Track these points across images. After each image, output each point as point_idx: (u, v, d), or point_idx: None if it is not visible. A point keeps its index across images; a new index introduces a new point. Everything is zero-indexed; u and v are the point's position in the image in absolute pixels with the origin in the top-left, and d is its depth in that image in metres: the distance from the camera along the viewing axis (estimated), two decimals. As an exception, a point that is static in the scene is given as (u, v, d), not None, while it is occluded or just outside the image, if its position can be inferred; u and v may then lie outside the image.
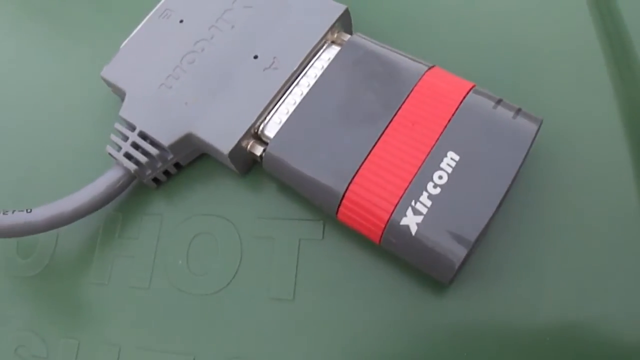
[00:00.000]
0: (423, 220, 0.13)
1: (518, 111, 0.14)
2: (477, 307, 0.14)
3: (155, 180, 0.16)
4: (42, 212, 0.15)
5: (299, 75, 0.15)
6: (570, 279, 0.14)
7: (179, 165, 0.16)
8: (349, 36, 0.16)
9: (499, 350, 0.14)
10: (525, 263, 0.14)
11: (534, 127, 0.14)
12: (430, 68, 0.15)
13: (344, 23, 0.16)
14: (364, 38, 0.15)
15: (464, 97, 0.14)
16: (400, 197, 0.13)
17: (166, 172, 0.16)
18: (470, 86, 0.14)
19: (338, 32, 0.16)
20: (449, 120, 0.14)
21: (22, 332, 0.15)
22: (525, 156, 0.14)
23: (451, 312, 0.14)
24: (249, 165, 0.16)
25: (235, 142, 0.15)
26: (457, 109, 0.14)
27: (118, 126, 0.16)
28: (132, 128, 0.15)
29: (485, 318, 0.14)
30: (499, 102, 0.14)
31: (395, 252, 0.14)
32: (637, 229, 0.14)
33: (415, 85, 0.14)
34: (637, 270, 0.14)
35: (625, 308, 0.13)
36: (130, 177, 0.15)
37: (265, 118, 0.15)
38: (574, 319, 0.14)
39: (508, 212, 0.15)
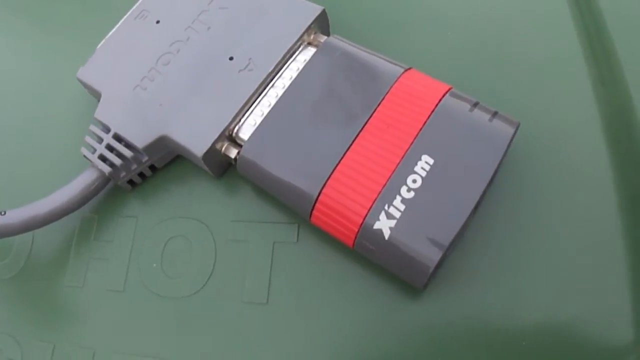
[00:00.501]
0: (396, 225, 0.13)
1: (495, 114, 0.14)
2: (453, 311, 0.14)
3: (131, 182, 0.16)
4: (16, 215, 0.15)
5: (274, 77, 0.15)
6: (546, 282, 0.14)
7: (154, 168, 0.16)
8: (325, 38, 0.15)
9: (475, 354, 0.13)
10: (501, 266, 0.14)
11: (510, 130, 0.14)
12: (406, 70, 0.15)
13: (321, 24, 0.16)
14: (341, 40, 0.15)
15: (440, 100, 0.14)
16: (374, 201, 0.13)
17: (141, 175, 0.16)
18: (447, 89, 0.14)
19: (315, 34, 0.16)
20: (424, 123, 0.14)
21: (-3, 334, 0.15)
22: (502, 159, 0.14)
23: (426, 315, 0.14)
24: (224, 167, 0.16)
25: (209, 144, 0.14)
26: (432, 111, 0.14)
27: (93, 128, 0.16)
28: (107, 130, 0.15)
29: (460, 321, 0.14)
30: (475, 105, 0.14)
31: (369, 256, 0.14)
32: (614, 232, 0.14)
33: (391, 88, 0.14)
34: (614, 272, 0.14)
35: (602, 310, 0.13)
36: (105, 180, 0.15)
37: (239, 120, 0.15)
38: (550, 322, 0.13)
39: (485, 215, 0.15)
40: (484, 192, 0.13)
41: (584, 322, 0.13)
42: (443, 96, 0.14)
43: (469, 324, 0.14)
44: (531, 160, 0.15)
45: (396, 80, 0.14)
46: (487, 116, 0.14)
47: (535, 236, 0.14)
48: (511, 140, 0.14)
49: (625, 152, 0.15)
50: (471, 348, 0.14)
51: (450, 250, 0.14)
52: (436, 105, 0.14)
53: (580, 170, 0.15)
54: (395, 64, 0.15)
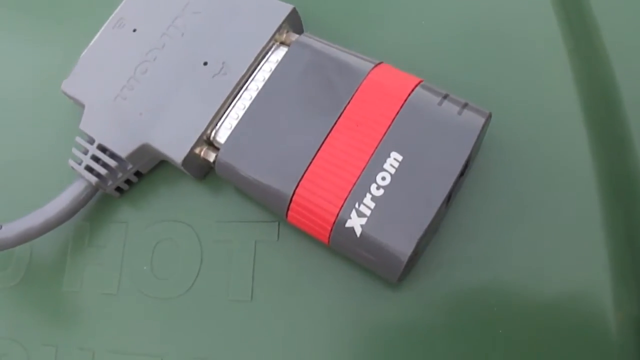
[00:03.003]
0: (367, 222, 0.13)
1: (464, 106, 0.14)
2: (429, 302, 0.14)
3: (118, 189, 0.17)
4: (12, 228, 0.16)
5: (247, 80, 0.15)
6: (522, 272, 0.14)
7: (140, 174, 0.17)
8: (297, 36, 0.16)
9: (451, 344, 0.14)
10: (476, 257, 0.14)
11: (479, 121, 0.14)
12: (376, 65, 0.15)
13: (293, 23, 0.16)
14: (312, 38, 0.15)
15: (409, 94, 0.14)
16: (345, 200, 0.13)
17: (128, 181, 0.17)
18: (416, 82, 0.14)
19: (287, 33, 0.16)
20: (393, 120, 0.14)
21: (4, 340, 0.16)
22: (473, 151, 0.14)
23: (403, 307, 0.14)
24: (205, 170, 0.16)
25: (188, 150, 0.15)
26: (401, 107, 0.14)
27: (79, 139, 0.16)
28: (92, 141, 0.16)
29: (437, 312, 0.14)
30: (445, 97, 0.14)
31: (344, 253, 0.14)
32: (593, 221, 0.14)
33: (361, 85, 0.14)
34: (588, 264, 0.14)
35: (575, 303, 0.14)
36: (92, 189, 0.16)
37: (216, 124, 0.15)
38: (528, 311, 0.14)
39: (459, 206, 0.15)
40: (455, 185, 0.14)
41: (558, 313, 0.14)
42: (412, 90, 0.14)
43: (446, 314, 0.14)
44: (508, 150, 0.15)
45: (366, 76, 0.15)
46: (457, 108, 0.14)
47: (510, 226, 0.14)
48: (482, 131, 0.14)
49: (604, 139, 0.15)
50: (447, 338, 0.14)
51: (424, 243, 0.14)
52: (405, 100, 0.14)
53: (558, 158, 0.15)
54: (366, 60, 0.15)
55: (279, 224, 0.15)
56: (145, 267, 0.16)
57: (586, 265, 0.14)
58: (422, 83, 0.14)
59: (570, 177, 0.14)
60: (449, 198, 0.14)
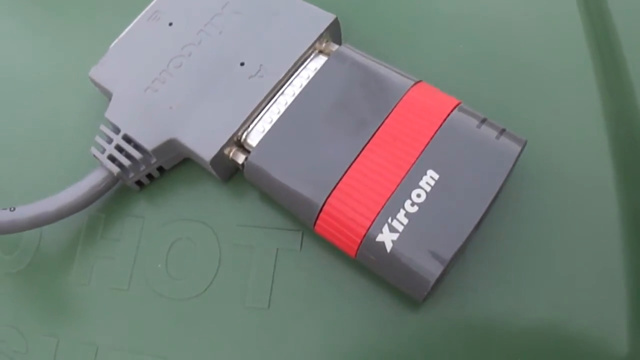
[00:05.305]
0: (399, 238, 0.13)
1: (502, 131, 0.14)
2: (450, 324, 0.14)
3: (139, 183, 0.16)
4: (25, 211, 0.15)
5: (284, 84, 0.15)
6: (545, 300, 0.14)
7: (162, 169, 0.16)
8: (337, 47, 0.15)
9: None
10: (501, 282, 0.14)
11: (517, 148, 0.14)
12: (416, 83, 0.15)
13: (333, 33, 0.16)
14: (352, 49, 0.15)
15: (448, 115, 0.14)
16: (377, 214, 0.13)
17: (149, 176, 0.16)
18: (456, 104, 0.14)
19: (327, 42, 0.16)
20: (431, 138, 0.14)
21: (3, 327, 0.16)
22: (507, 177, 0.14)
23: (424, 327, 0.14)
24: (231, 172, 0.16)
25: (218, 149, 0.15)
26: (440, 126, 0.14)
27: (103, 128, 0.16)
28: (117, 130, 0.16)
29: (457, 335, 0.14)
30: (483, 121, 0.14)
31: (371, 267, 0.14)
32: (616, 253, 0.14)
33: (400, 101, 0.14)
34: (614, 292, 0.14)
35: (599, 330, 0.14)
36: (113, 180, 0.16)
37: (248, 126, 0.15)
38: (548, 340, 0.14)
39: (487, 230, 0.15)
40: (488, 209, 0.14)
41: (581, 341, 0.14)
42: (451, 111, 0.14)
43: (466, 338, 0.14)
44: (537, 176, 0.15)
45: (405, 93, 0.14)
46: (495, 133, 0.14)
47: (536, 254, 0.14)
48: (517, 157, 0.14)
49: (631, 171, 0.15)
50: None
51: (452, 265, 0.14)
52: (444, 120, 0.14)
53: (585, 191, 0.15)
54: (405, 77, 0.15)
55: (302, 234, 0.15)
56: (159, 265, 0.15)
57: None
58: (460, 105, 0.14)
59: (595, 214, 0.15)
60: (480, 221, 0.14)
